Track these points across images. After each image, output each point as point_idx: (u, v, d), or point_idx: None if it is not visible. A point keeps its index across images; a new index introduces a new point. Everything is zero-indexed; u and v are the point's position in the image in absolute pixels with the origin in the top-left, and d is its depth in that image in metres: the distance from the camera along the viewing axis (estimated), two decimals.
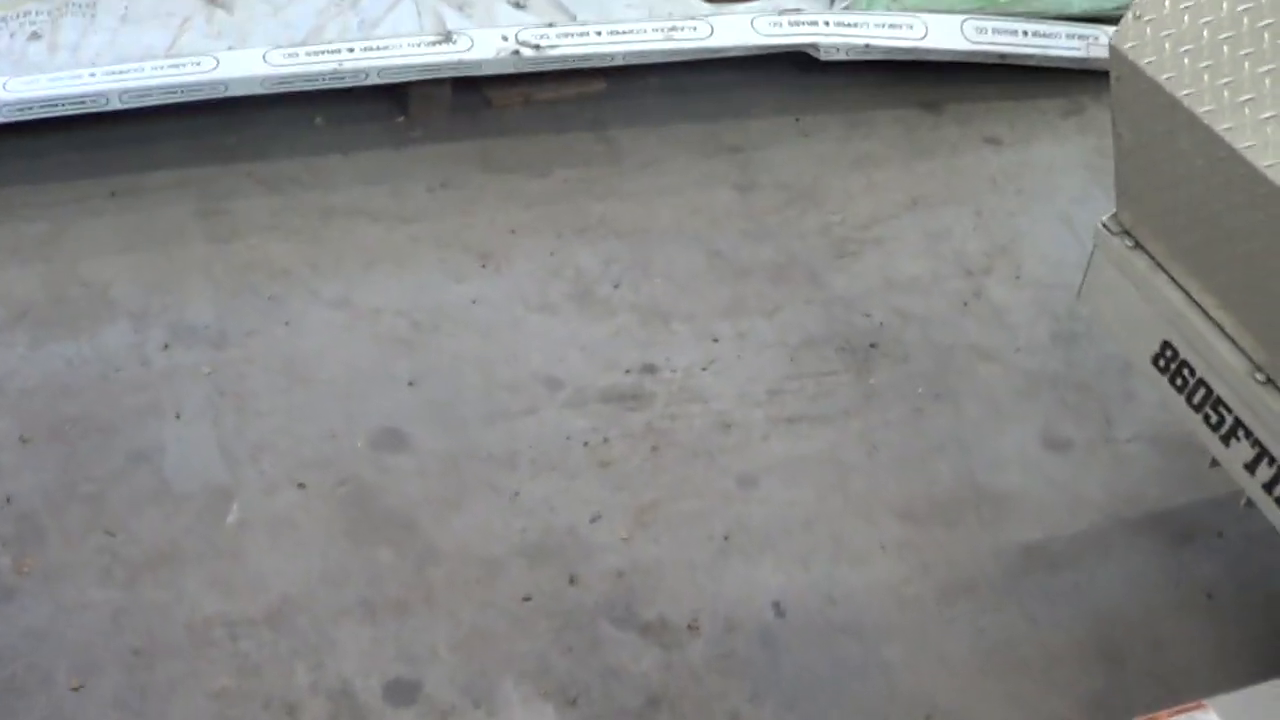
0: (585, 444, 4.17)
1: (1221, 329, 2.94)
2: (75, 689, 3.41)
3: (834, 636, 3.64)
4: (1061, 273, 4.84)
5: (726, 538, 3.90)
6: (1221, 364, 2.93)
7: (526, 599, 3.69)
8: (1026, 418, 4.38)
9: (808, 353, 4.57)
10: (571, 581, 3.74)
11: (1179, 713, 2.30)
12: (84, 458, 4.06)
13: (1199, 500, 4.11)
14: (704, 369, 4.48)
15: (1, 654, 3.47)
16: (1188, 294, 3.03)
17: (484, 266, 4.84)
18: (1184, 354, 3.05)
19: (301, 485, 3.99)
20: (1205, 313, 2.99)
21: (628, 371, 4.45)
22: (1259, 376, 2.85)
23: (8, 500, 3.89)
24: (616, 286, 4.80)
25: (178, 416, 4.20)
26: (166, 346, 4.44)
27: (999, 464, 4.20)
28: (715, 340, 4.59)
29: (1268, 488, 2.86)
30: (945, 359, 4.58)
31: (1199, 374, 3.01)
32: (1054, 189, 5.35)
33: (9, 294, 4.58)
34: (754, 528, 3.94)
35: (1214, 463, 3.11)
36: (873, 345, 4.61)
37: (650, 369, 4.46)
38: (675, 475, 4.10)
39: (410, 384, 4.36)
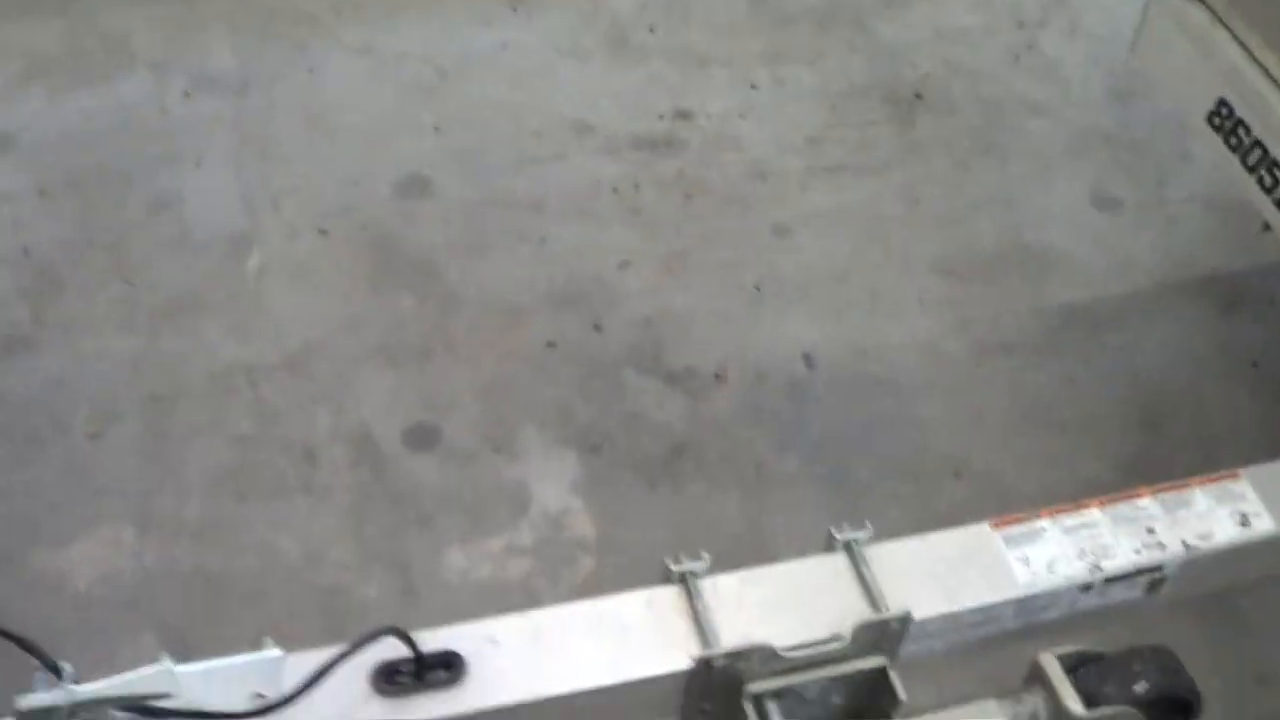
0: (615, 190, 4.07)
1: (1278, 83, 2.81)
2: (92, 436, 3.39)
3: (865, 390, 3.58)
4: (1120, 27, 4.58)
5: (758, 288, 3.83)
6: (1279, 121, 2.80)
7: (550, 346, 3.64)
8: (1076, 175, 4.26)
9: (850, 102, 4.44)
10: (597, 329, 3.68)
11: (1211, 481, 2.22)
12: (102, 208, 4.00)
13: (1251, 267, 4.01)
14: (741, 116, 4.36)
15: (20, 404, 3.47)
16: (1248, 50, 2.89)
17: (515, 11, 4.70)
18: (1240, 112, 2.91)
19: (323, 232, 3.92)
20: (1265, 70, 2.84)
21: (661, 117, 4.33)
22: None
23: (25, 252, 3.84)
24: (652, 31, 4.65)
25: (198, 165, 4.13)
26: (187, 95, 4.35)
27: (1045, 221, 4.09)
28: (753, 87, 4.46)
29: None
30: (993, 112, 4.45)
31: (1255, 134, 2.88)
32: None
33: (27, 47, 4.48)
34: (787, 278, 3.87)
35: (1266, 227, 2.98)
36: (918, 96, 4.47)
37: (684, 115, 4.34)
38: (707, 223, 4.02)
39: (436, 130, 4.26)
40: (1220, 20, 2.90)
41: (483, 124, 4.28)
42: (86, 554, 3.15)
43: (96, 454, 3.34)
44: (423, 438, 3.40)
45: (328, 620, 3.00)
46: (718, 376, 3.55)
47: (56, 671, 1.68)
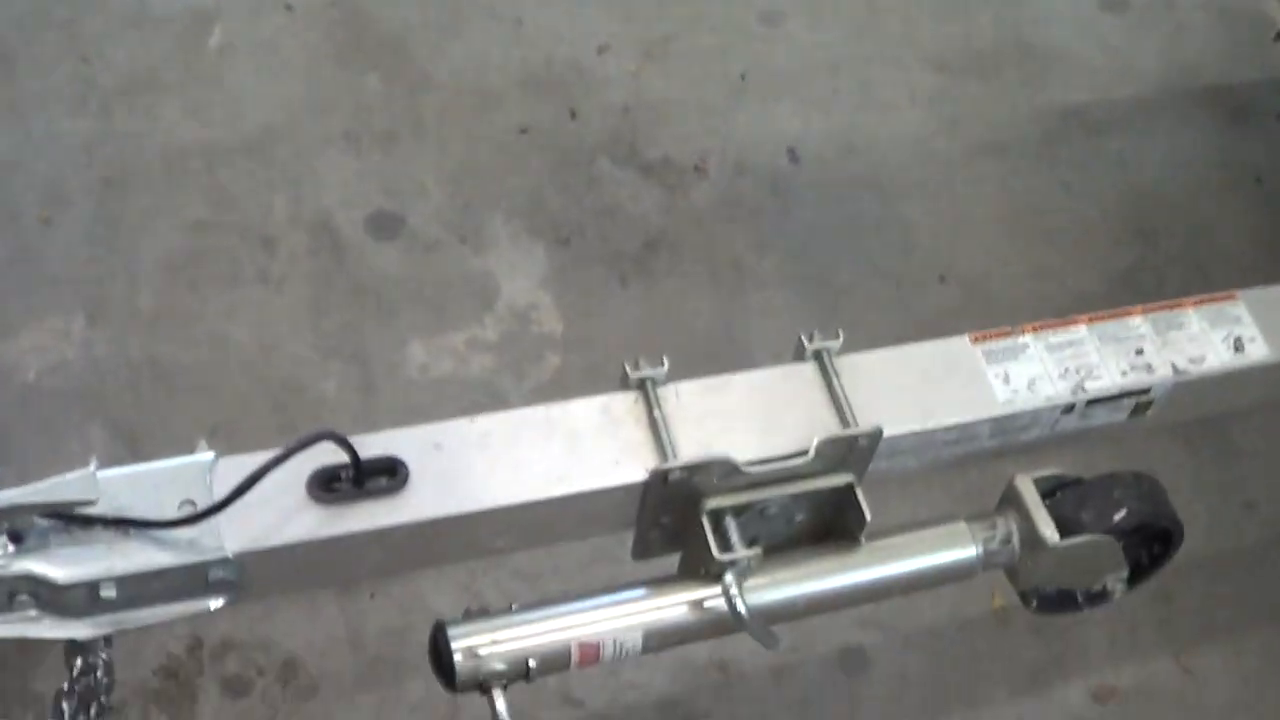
0: None
1: None
2: (43, 221, 3.28)
3: (851, 188, 3.48)
4: None
5: (743, 77, 3.71)
6: None
7: (523, 132, 3.53)
8: None
9: None
10: (572, 116, 3.57)
11: (1206, 301, 2.13)
12: None
13: (1260, 79, 3.87)
14: None
15: None
16: None
17: None
18: None
19: (289, 7, 3.78)
20: None
21: None
22: None
23: None
24: None
25: None
26: None
27: (1048, 19, 3.96)
28: None
29: None
30: None
31: None
32: None
33: None
34: (774, 68, 3.75)
35: (1279, 35, 2.87)
36: None
37: None
38: (692, 8, 3.87)
39: None
40: None
41: None
42: (35, 344, 3.06)
43: (46, 240, 3.24)
44: (386, 226, 3.30)
45: (281, 416, 2.93)
46: (697, 169, 3.45)
47: None
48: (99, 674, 1.87)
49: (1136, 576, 2.02)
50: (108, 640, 1.84)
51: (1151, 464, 2.48)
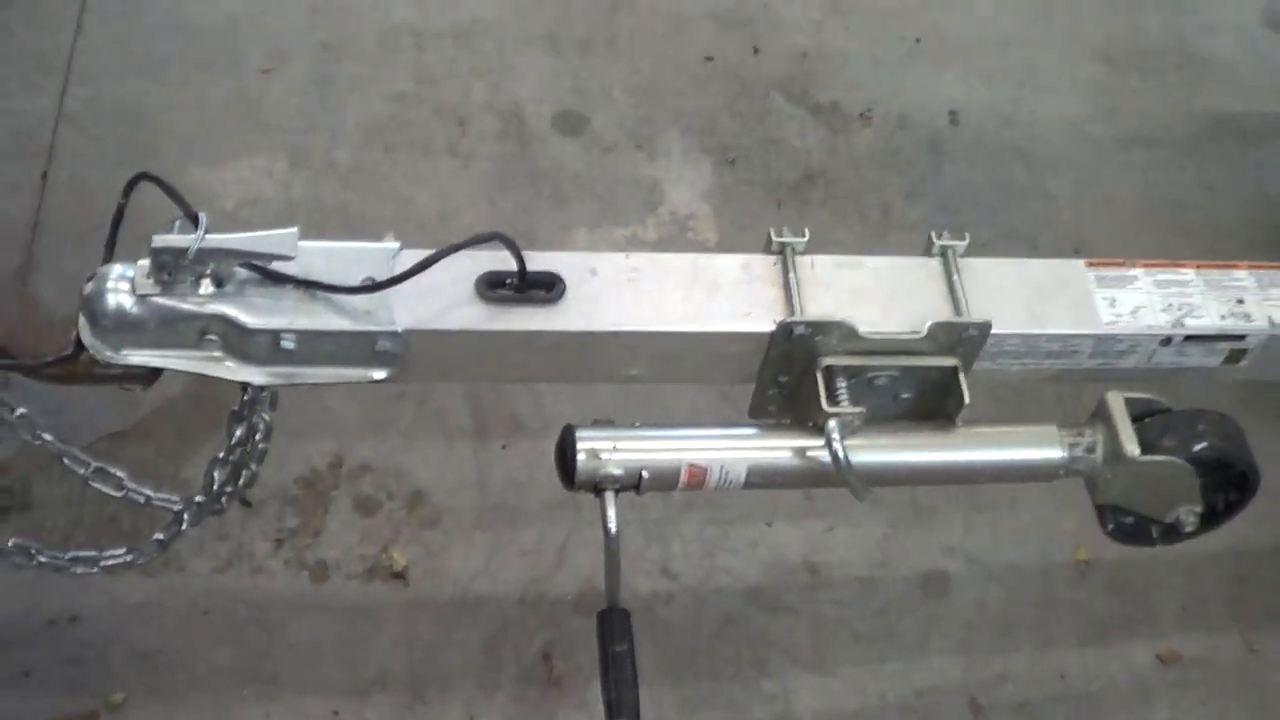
0: None
1: None
2: (264, 72, 3.44)
3: (1003, 156, 3.53)
4: None
5: (918, 40, 3.77)
6: None
7: (708, 59, 3.62)
8: None
9: None
10: (755, 51, 3.66)
11: None
12: None
13: None
14: None
15: (198, 32, 3.50)
16: None
17: None
18: None
19: None
20: None
21: None
22: None
23: None
24: None
25: None
26: None
27: (1212, 29, 3.96)
28: None
29: None
30: None
31: None
32: None
33: None
34: (948, 36, 3.80)
35: None
36: None
37: None
38: None
39: None
40: None
41: None
42: (238, 178, 3.22)
43: (263, 90, 3.39)
44: (571, 123, 3.41)
45: None
46: (863, 116, 3.52)
47: (195, 220, 1.74)
48: (257, 437, 2.00)
49: (1210, 521, 2.05)
50: (272, 402, 1.98)
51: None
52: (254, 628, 2.50)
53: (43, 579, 2.44)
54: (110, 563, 2.14)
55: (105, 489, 2.06)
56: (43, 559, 2.13)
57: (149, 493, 2.10)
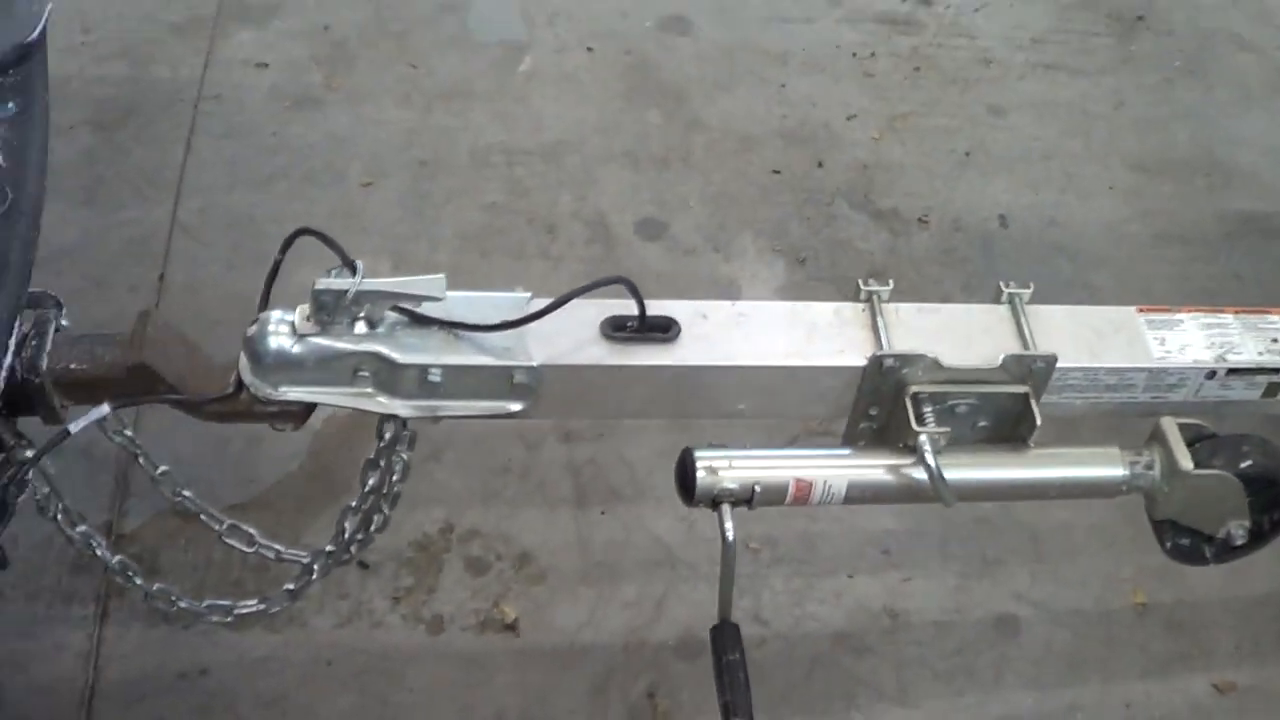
0: (854, 55, 4.26)
1: None
2: (365, 185, 3.67)
3: (1049, 252, 3.71)
4: None
5: (968, 154, 3.98)
6: None
7: (776, 172, 3.83)
8: (1273, 108, 4.31)
9: (1077, 13, 4.56)
10: (819, 165, 3.87)
11: None
12: (396, 3, 4.29)
13: None
14: (976, 10, 4.51)
15: (306, 150, 3.75)
16: None
17: None
18: None
19: (590, 49, 4.16)
20: None
21: (904, 0, 4.47)
22: None
23: (325, 29, 4.15)
24: None
25: None
26: None
27: (1237, 141, 4.16)
28: None
29: None
30: (1206, 41, 4.51)
31: None
32: None
33: None
34: (995, 150, 4.01)
35: None
36: (1140, 18, 4.57)
37: (926, 2, 4.50)
38: (931, 94, 4.17)
39: None
40: None
41: None
42: None
43: (366, 201, 3.61)
44: (652, 229, 3.62)
45: None
46: (920, 220, 3.71)
47: (352, 267, 1.94)
48: (394, 478, 2.09)
49: (1258, 539, 2.18)
50: (410, 442, 2.13)
51: None
52: (374, 676, 2.63)
53: (173, 636, 2.63)
54: (243, 611, 2.25)
55: (237, 544, 2.20)
56: (182, 604, 2.23)
57: (279, 548, 2.24)
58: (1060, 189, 3.88)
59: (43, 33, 2.11)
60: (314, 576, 2.24)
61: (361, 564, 2.75)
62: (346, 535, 2.19)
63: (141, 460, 2.13)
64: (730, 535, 1.92)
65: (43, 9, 2.11)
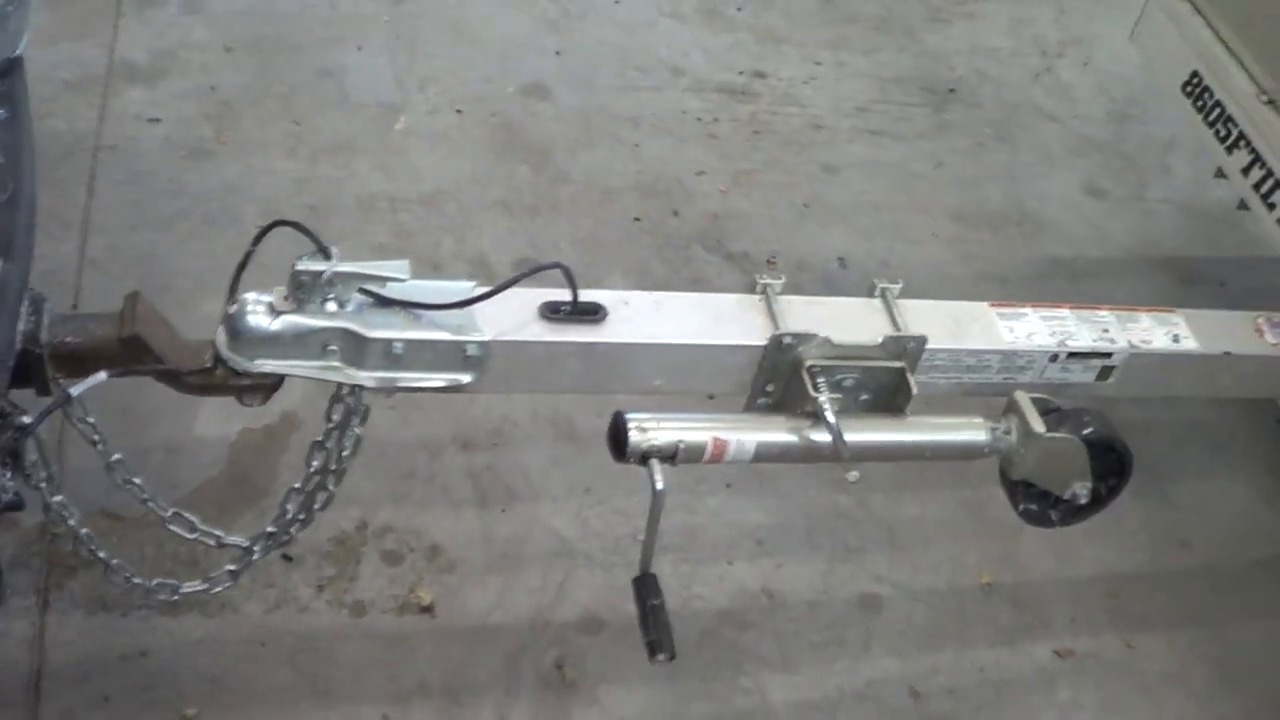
0: (699, 120, 4.57)
1: (1239, 60, 3.30)
2: (259, 228, 3.82)
3: None
4: (1125, 66, 5.11)
5: (806, 205, 4.30)
6: (1235, 87, 3.28)
7: (636, 220, 4.10)
8: (1073, 168, 4.72)
9: (895, 86, 4.94)
10: (675, 214, 4.15)
11: (1153, 310, 2.65)
12: (278, 68, 4.48)
13: (1209, 256, 4.44)
14: (805, 83, 4.86)
15: (203, 195, 3.90)
16: (1216, 32, 3.38)
17: None
18: (1207, 80, 3.39)
19: (459, 111, 4.41)
20: (1227, 46, 3.34)
21: (740, 73, 4.84)
22: (1263, 98, 3.21)
23: (211, 89, 4.32)
24: (739, 10, 5.18)
25: (359, 49, 4.63)
26: None
27: (1043, 197, 4.55)
28: (818, 64, 4.97)
29: (1256, 187, 3.22)
30: (1012, 113, 4.93)
31: (1216, 96, 3.36)
32: None
33: None
34: (830, 203, 4.33)
35: (1219, 173, 3.44)
36: (951, 91, 4.97)
37: (760, 75, 4.86)
38: (770, 155, 4.49)
39: (557, 54, 4.78)
40: (1197, 9, 3.40)
41: (596, 56, 4.79)
42: None
43: (262, 243, 3.76)
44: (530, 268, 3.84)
45: None
46: (768, 262, 3.99)
47: (326, 253, 2.16)
48: (344, 454, 2.27)
49: (1098, 503, 2.49)
50: (364, 418, 2.26)
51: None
52: (306, 654, 2.79)
53: (112, 623, 2.76)
54: (189, 590, 2.39)
55: (179, 530, 2.33)
56: (136, 581, 2.37)
57: (219, 533, 2.37)
58: (890, 236, 4.21)
59: (23, 49, 2.30)
60: (255, 557, 2.40)
61: (285, 557, 2.91)
62: (289, 515, 2.38)
63: (99, 446, 2.25)
64: (660, 486, 2.14)
65: (23, 28, 2.29)
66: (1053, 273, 4.21)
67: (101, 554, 2.37)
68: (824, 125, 4.64)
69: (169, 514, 2.35)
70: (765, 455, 2.29)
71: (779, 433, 2.29)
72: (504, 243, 3.89)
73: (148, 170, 3.90)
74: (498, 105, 4.44)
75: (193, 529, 2.36)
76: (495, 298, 2.21)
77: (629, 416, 2.18)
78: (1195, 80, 3.38)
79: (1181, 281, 4.28)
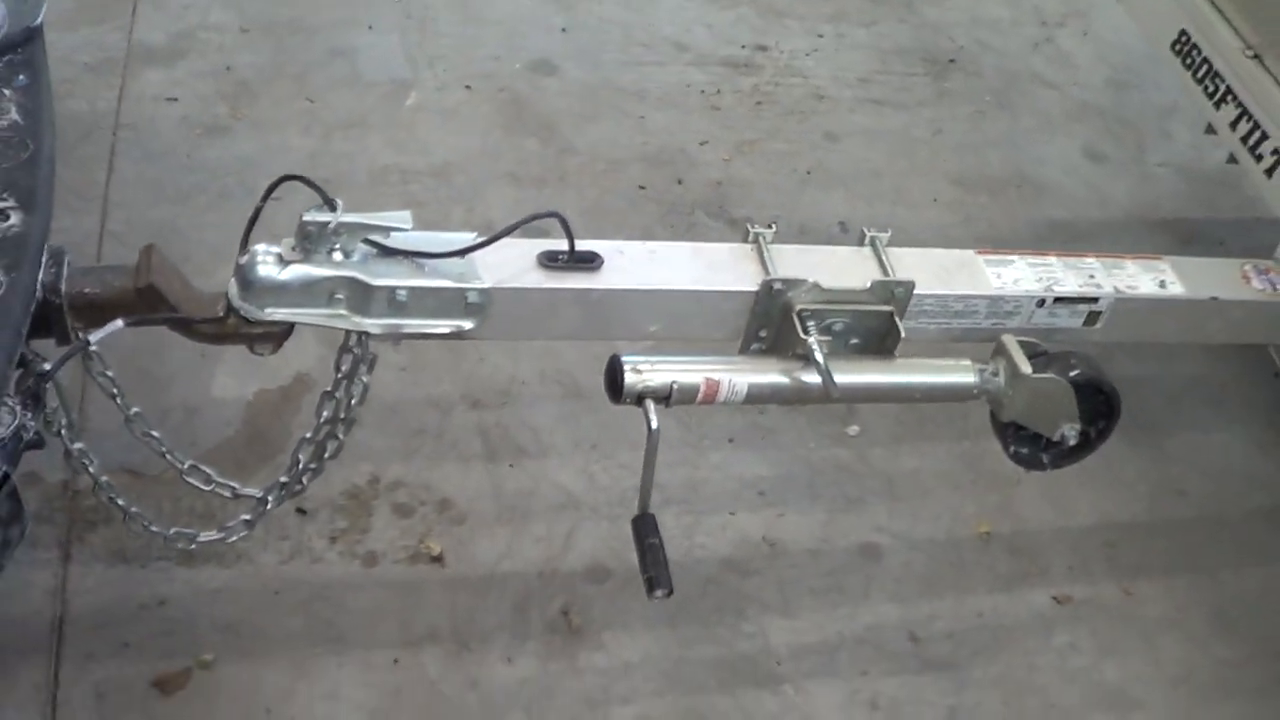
0: (702, 92, 4.63)
1: (1224, 15, 3.35)
2: (277, 199, 3.87)
3: None
4: (1124, 36, 5.15)
5: (808, 172, 4.36)
6: (1221, 43, 3.33)
7: (641, 188, 4.16)
8: (1073, 133, 4.77)
9: (896, 57, 5.00)
10: (679, 182, 4.21)
11: (1140, 257, 2.71)
12: (292, 49, 4.55)
13: (1207, 217, 4.49)
14: (807, 55, 4.92)
15: (216, 169, 3.97)
16: None
17: None
18: (1195, 38, 3.44)
19: (468, 87, 4.47)
20: (1213, 3, 3.39)
21: (743, 47, 4.90)
22: (1248, 52, 3.26)
23: (228, 68, 4.40)
24: None
25: (370, 28, 4.70)
26: None
27: (1043, 161, 4.60)
28: (819, 36, 5.03)
29: (1244, 140, 3.27)
30: (1012, 81, 4.98)
31: (1204, 53, 3.41)
32: None
33: None
34: (831, 170, 4.39)
35: (1209, 129, 3.49)
36: (952, 61, 5.02)
37: (762, 48, 4.91)
38: (772, 124, 4.54)
39: (563, 31, 4.84)
40: None
41: (602, 32, 4.85)
42: None
43: (276, 210, 3.81)
44: (538, 235, 3.90)
45: None
46: (769, 225, 4.04)
47: (331, 204, 2.23)
48: (354, 401, 2.34)
49: (1087, 445, 2.55)
50: (370, 366, 2.33)
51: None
52: (319, 602, 2.86)
53: (131, 574, 2.84)
54: (206, 539, 2.50)
55: (196, 482, 2.41)
56: (155, 529, 2.47)
57: (234, 485, 2.46)
58: (891, 200, 4.27)
59: (42, 18, 2.39)
60: (269, 507, 2.49)
61: (299, 510, 2.99)
62: (301, 465, 2.46)
63: (118, 400, 2.33)
64: (654, 425, 2.21)
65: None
66: (1052, 235, 4.25)
67: (120, 501, 2.45)
68: (826, 95, 4.70)
69: (186, 466, 2.43)
70: (757, 396, 2.36)
71: (770, 374, 2.36)
72: (512, 212, 3.85)
73: (165, 148, 3.96)
74: (505, 81, 4.51)
75: (209, 480, 2.44)
76: (496, 247, 2.29)
77: (625, 359, 2.25)
78: (1183, 38, 3.43)
79: (1180, 242, 4.30)
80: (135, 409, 2.33)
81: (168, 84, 4.24)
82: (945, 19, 5.25)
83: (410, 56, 4.57)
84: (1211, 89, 3.33)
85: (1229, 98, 3.28)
